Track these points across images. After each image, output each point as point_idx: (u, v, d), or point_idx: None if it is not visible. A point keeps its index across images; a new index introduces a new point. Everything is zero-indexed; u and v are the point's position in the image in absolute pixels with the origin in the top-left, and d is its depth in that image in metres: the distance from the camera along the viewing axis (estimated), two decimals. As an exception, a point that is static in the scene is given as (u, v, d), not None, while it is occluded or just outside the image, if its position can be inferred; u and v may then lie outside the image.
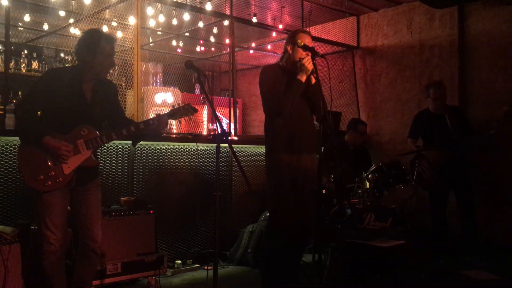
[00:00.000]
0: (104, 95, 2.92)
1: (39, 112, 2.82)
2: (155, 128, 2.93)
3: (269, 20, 6.53)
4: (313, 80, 3.29)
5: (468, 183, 4.67)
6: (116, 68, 4.78)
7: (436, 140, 4.64)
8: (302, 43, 3.25)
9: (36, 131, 2.71)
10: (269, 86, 3.33)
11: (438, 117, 4.67)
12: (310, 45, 3.31)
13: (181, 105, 3.00)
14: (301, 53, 3.29)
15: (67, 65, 5.74)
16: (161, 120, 2.93)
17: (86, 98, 2.84)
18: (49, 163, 2.71)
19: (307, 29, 6.25)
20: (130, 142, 4.18)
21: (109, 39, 2.85)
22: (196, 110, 2.99)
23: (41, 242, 2.75)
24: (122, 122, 2.99)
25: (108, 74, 5.18)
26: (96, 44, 2.78)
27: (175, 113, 2.97)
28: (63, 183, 2.74)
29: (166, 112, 2.98)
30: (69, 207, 2.89)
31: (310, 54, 3.23)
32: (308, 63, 3.21)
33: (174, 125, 4.98)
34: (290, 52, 3.36)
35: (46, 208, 2.72)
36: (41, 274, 2.78)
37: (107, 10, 5.08)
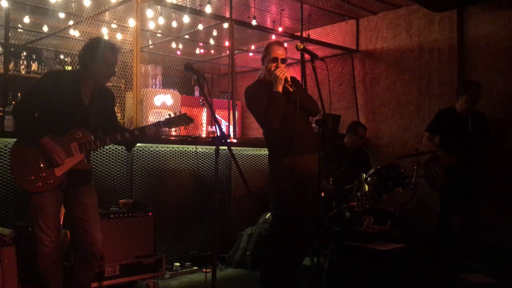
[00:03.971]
0: (101, 102, 2.94)
1: (36, 114, 2.82)
2: (149, 136, 2.94)
3: (268, 23, 6.55)
4: (291, 89, 3.30)
5: (478, 187, 4.61)
6: (116, 70, 4.78)
7: (453, 141, 4.56)
8: (302, 46, 3.26)
9: (35, 131, 2.72)
10: (254, 105, 3.41)
11: (462, 118, 4.56)
12: (283, 56, 3.38)
13: (177, 114, 3.02)
14: (271, 65, 3.35)
15: (66, 66, 5.74)
16: (156, 128, 2.95)
17: (84, 102, 2.85)
18: (41, 165, 2.71)
19: (307, 32, 6.29)
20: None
21: (114, 48, 2.88)
22: (192, 120, 3.02)
23: (36, 244, 2.75)
24: (116, 130, 2.99)
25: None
26: (100, 52, 2.80)
27: (171, 122, 2.99)
28: (53, 184, 2.74)
29: (162, 120, 2.99)
30: (65, 210, 2.89)
31: (281, 65, 3.32)
32: (280, 73, 3.25)
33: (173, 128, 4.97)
34: (264, 65, 3.43)
35: (38, 210, 2.72)
36: (38, 276, 2.78)
37: (107, 12, 5.08)
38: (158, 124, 2.96)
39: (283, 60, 3.36)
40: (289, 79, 3.29)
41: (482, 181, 4.64)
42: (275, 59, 3.33)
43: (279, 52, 3.36)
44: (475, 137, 4.47)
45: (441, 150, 4.62)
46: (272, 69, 3.33)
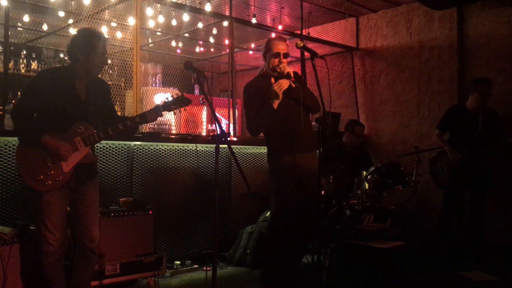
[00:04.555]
0: (97, 93, 2.95)
1: (34, 114, 2.82)
2: (150, 121, 2.97)
3: (268, 21, 6.54)
4: (293, 85, 3.30)
5: (484, 185, 4.60)
6: (116, 68, 4.78)
7: (463, 139, 4.55)
8: (302, 44, 3.25)
9: (35, 131, 2.72)
10: (246, 109, 3.43)
11: (472, 116, 4.54)
12: (285, 51, 3.37)
13: (174, 97, 3.01)
14: (274, 61, 3.32)
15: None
16: (155, 112, 2.95)
17: (80, 96, 2.86)
18: (48, 163, 2.72)
19: (307, 30, 6.28)
20: (129, 142, 4.21)
21: (101, 37, 2.88)
22: (190, 101, 2.99)
23: (40, 242, 2.75)
24: (115, 120, 3.01)
25: (108, 75, 5.21)
26: (88, 43, 2.81)
27: (169, 104, 2.97)
28: (63, 181, 2.75)
29: (160, 104, 2.98)
30: (68, 208, 2.90)
31: (283, 60, 3.30)
32: (278, 88, 3.22)
33: (173, 126, 4.98)
34: (266, 60, 3.43)
35: (45, 208, 2.73)
36: (40, 274, 2.78)
37: (107, 11, 5.07)
38: (157, 108, 2.96)
39: (285, 55, 3.35)
40: (291, 74, 3.28)
41: (489, 180, 4.63)
42: (277, 54, 3.32)
43: (281, 47, 3.35)
44: (485, 135, 4.46)
45: (448, 146, 4.59)
46: (275, 64, 3.32)
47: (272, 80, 3.28)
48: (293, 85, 3.30)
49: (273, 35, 6.20)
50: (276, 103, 3.26)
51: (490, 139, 4.45)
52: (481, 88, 4.49)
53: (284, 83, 3.23)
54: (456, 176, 4.52)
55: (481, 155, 4.44)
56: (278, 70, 3.29)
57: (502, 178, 4.95)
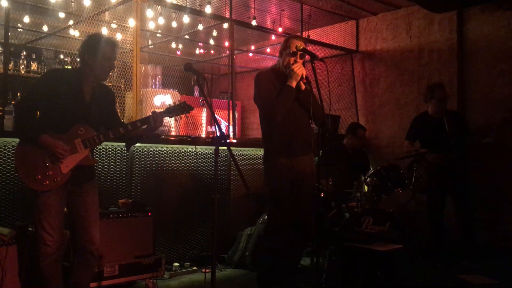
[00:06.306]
0: (102, 99, 2.96)
1: (38, 112, 2.83)
2: (151, 126, 2.95)
3: (268, 23, 6.55)
4: (303, 87, 3.31)
5: (465, 186, 4.67)
6: (116, 70, 4.77)
7: (433, 143, 4.62)
8: (302, 47, 3.26)
9: (34, 129, 2.73)
10: (261, 93, 3.37)
11: (437, 120, 4.67)
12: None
13: (176, 103, 3.02)
14: (290, 59, 3.33)
15: (66, 66, 5.74)
16: (157, 118, 2.95)
17: (85, 99, 2.86)
18: (47, 163, 2.71)
19: (307, 33, 6.28)
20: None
21: (111, 43, 2.90)
22: (191, 108, 3.02)
23: (37, 243, 2.75)
24: (117, 126, 3.00)
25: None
26: (98, 47, 2.83)
27: (171, 111, 2.99)
28: (60, 182, 2.74)
29: (162, 110, 2.99)
30: (66, 210, 2.89)
31: (299, 60, 3.29)
32: (298, 69, 3.25)
33: (173, 127, 4.98)
34: (281, 57, 3.42)
35: (43, 209, 2.72)
36: (38, 275, 2.78)
37: (107, 12, 5.08)
38: (159, 115, 2.97)
39: (302, 56, 3.36)
40: (304, 76, 3.29)
41: (468, 179, 4.71)
42: (294, 53, 3.33)
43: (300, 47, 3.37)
44: (454, 135, 4.55)
45: (425, 151, 4.64)
46: (291, 62, 3.32)
47: (291, 60, 3.30)
48: (303, 87, 3.31)
49: (273, 37, 6.22)
50: (294, 83, 3.27)
51: (461, 138, 4.54)
52: (436, 94, 4.65)
53: (303, 68, 3.25)
54: (436, 178, 4.55)
55: (457, 155, 4.53)
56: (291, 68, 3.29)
57: (498, 182, 4.95)
